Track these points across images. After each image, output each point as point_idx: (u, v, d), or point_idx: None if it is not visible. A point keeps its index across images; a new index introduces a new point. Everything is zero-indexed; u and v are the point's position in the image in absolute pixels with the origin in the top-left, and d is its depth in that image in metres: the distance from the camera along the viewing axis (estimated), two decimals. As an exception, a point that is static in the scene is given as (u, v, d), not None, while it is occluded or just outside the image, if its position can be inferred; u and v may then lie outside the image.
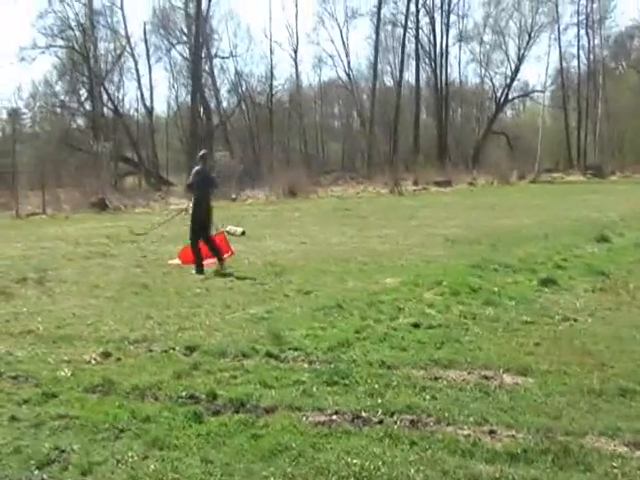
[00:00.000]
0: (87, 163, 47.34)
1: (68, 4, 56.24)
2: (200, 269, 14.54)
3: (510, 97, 69.87)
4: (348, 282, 12.64)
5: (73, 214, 32.28)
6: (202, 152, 16.88)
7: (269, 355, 8.22)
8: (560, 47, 66.10)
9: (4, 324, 10.30)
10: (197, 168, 15.81)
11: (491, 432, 5.89)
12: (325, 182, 53.09)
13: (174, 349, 8.65)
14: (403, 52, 64.80)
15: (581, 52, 67.42)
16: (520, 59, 66.31)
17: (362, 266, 14.42)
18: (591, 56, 66.88)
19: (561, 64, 67.13)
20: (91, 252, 17.58)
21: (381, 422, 6.14)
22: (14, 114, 60.79)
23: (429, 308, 10.28)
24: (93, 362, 8.27)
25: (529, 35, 65.12)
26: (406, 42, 64.55)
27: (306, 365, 7.85)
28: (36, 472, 5.41)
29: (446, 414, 6.25)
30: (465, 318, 9.69)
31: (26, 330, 9.84)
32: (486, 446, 5.62)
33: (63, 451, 5.73)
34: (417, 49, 65.03)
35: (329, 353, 8.20)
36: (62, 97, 61.08)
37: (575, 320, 9.60)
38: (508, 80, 67.75)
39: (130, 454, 5.65)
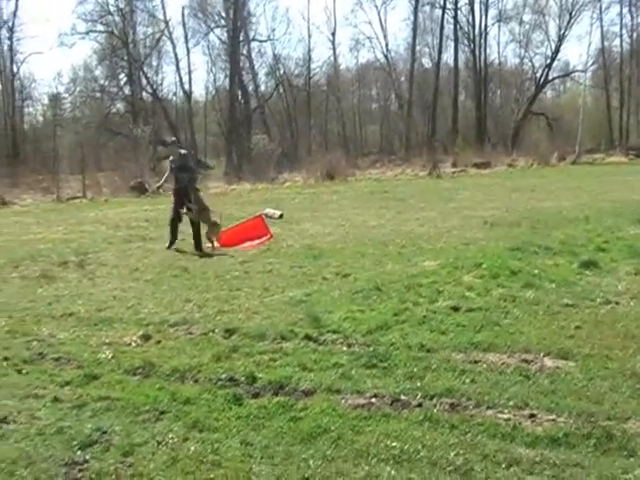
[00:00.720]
0: (126, 147, 47.62)
1: (108, -12, 56.63)
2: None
3: (550, 77, 68.63)
4: (387, 265, 12.60)
5: (113, 198, 32.53)
6: (171, 139, 17.50)
7: (308, 338, 8.25)
8: (602, 26, 64.60)
9: (47, 307, 10.46)
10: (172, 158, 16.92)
11: (531, 416, 5.87)
12: (363, 165, 52.95)
13: (213, 332, 8.73)
14: (442, 33, 64.24)
15: (624, 31, 65.93)
16: (561, 39, 65.00)
17: (400, 249, 14.35)
18: (634, 35, 65.47)
19: (603, 43, 65.68)
20: (131, 235, 17.74)
21: (420, 405, 6.15)
22: (55, 99, 61.40)
23: (468, 291, 10.24)
24: (133, 344, 8.39)
25: (570, 14, 63.75)
26: (445, 23, 63.99)
27: (345, 348, 7.87)
28: (79, 452, 5.49)
29: (486, 398, 6.23)
30: (505, 301, 9.61)
31: (68, 313, 10.01)
32: (526, 430, 5.61)
33: (105, 432, 5.82)
34: (456, 30, 64.37)
35: (368, 336, 8.21)
36: (102, 82, 61.65)
37: (617, 303, 9.48)
38: (548, 60, 66.49)
39: (171, 436, 5.72)
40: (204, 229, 15.95)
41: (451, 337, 8.05)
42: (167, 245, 15.88)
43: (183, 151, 17.09)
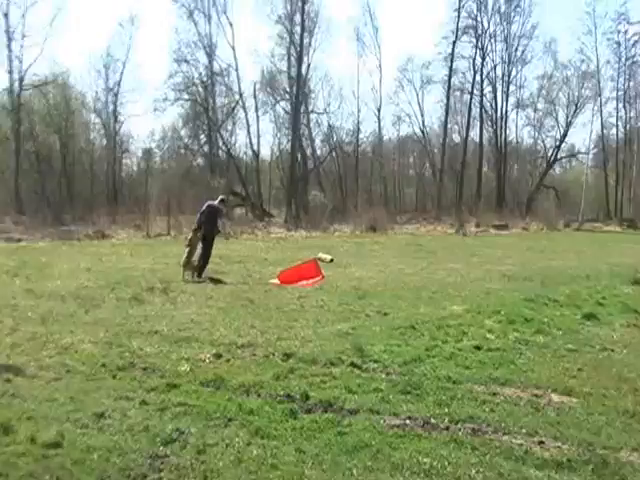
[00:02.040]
0: (204, 195, 47.95)
1: (193, 66, 58.25)
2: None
3: (559, 157, 68.38)
4: (420, 307, 12.51)
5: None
6: (221, 197, 18.10)
7: (353, 365, 8.21)
8: (602, 117, 64.80)
9: (137, 324, 10.62)
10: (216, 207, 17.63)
11: (540, 442, 5.80)
12: (401, 221, 53.02)
13: (274, 355, 8.72)
14: (469, 115, 64.42)
15: (619, 122, 65.89)
16: (568, 125, 65.01)
17: (432, 294, 14.25)
18: (627, 126, 65.49)
19: (602, 131, 65.57)
20: (206, 269, 17.77)
21: (447, 428, 6.10)
22: (147, 153, 62.65)
23: (489, 333, 10.11)
24: (207, 361, 8.43)
25: (576, 105, 63.95)
26: (472, 106, 64.22)
27: (384, 375, 7.82)
28: (161, 448, 5.57)
29: (502, 425, 6.17)
30: (519, 344, 9.50)
31: (154, 330, 10.14)
32: (536, 454, 5.54)
33: (182, 433, 5.88)
34: (481, 113, 64.64)
35: (404, 366, 8.15)
36: (186, 140, 62.66)
37: (612, 350, 9.32)
38: (557, 142, 66.51)
39: (237, 440, 5.75)
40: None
41: (474, 372, 7.96)
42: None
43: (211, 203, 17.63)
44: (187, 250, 16.90)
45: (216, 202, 17.64)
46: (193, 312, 11.84)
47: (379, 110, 65.59)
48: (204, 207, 17.49)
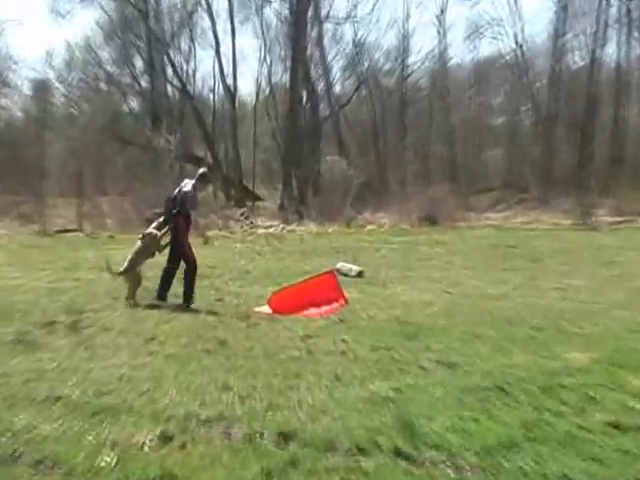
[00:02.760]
0: (142, 163, 47.97)
1: (121, -62, 57.65)
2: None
3: None
4: (513, 354, 12.51)
5: (121, 233, 32.81)
6: (202, 170, 18.11)
7: (397, 453, 8.14)
8: None
9: (24, 384, 10.53)
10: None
11: None
12: (480, 205, 53.14)
13: (262, 436, 8.65)
14: (601, 19, 64.13)
15: None
16: None
17: (534, 332, 14.26)
18: None
19: None
20: (146, 289, 17.93)
21: None
22: (42, 89, 62.10)
23: (636, 401, 10.09)
24: (147, 447, 8.36)
25: None
26: (605, 4, 63.96)
27: (451, 472, 7.74)
28: None
29: None
30: (691, 419, 9.47)
31: (54, 395, 10.02)
32: None
33: None
34: (622, 14, 64.30)
35: (485, 457, 8.08)
36: (109, 68, 62.37)
37: None
38: None
39: None
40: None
41: (611, 469, 7.86)
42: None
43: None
44: (135, 251, 16.99)
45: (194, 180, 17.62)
46: (123, 363, 11.84)
47: (442, 14, 65.63)
48: (177, 189, 17.52)
